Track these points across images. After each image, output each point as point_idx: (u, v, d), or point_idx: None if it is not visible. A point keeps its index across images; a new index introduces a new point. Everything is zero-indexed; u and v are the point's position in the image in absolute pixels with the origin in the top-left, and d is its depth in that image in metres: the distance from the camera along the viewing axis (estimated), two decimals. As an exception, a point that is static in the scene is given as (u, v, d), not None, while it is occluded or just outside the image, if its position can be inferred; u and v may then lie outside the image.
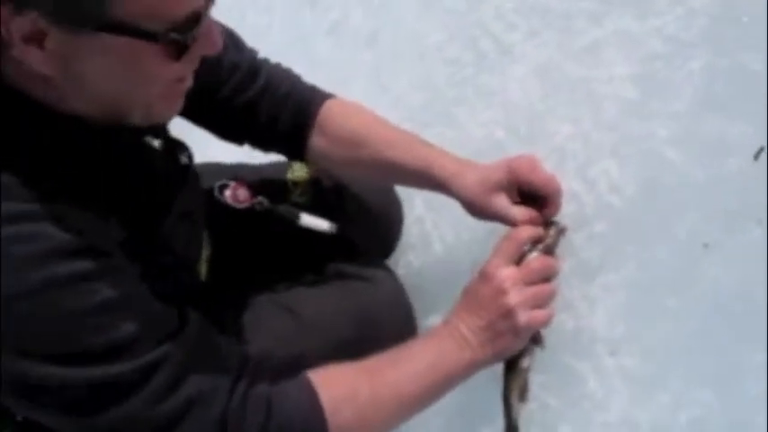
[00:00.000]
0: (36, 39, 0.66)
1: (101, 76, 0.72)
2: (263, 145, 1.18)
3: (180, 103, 0.83)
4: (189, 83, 0.81)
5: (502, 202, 1.02)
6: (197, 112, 1.05)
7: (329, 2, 1.77)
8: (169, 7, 0.69)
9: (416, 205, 1.34)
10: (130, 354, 0.73)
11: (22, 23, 0.65)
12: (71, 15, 0.65)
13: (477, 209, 1.04)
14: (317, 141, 1.12)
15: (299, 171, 1.29)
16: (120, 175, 0.82)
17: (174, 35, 0.70)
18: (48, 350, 0.69)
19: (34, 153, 0.72)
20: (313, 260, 1.26)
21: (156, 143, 0.90)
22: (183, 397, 0.76)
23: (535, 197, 1.01)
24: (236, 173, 1.24)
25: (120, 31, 0.67)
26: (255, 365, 0.86)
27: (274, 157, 1.29)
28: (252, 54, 1.13)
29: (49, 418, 0.74)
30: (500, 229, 1.03)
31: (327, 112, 1.12)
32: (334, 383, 0.87)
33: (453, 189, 1.04)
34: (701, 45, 1.04)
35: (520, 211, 1.01)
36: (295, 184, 1.28)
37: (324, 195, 1.28)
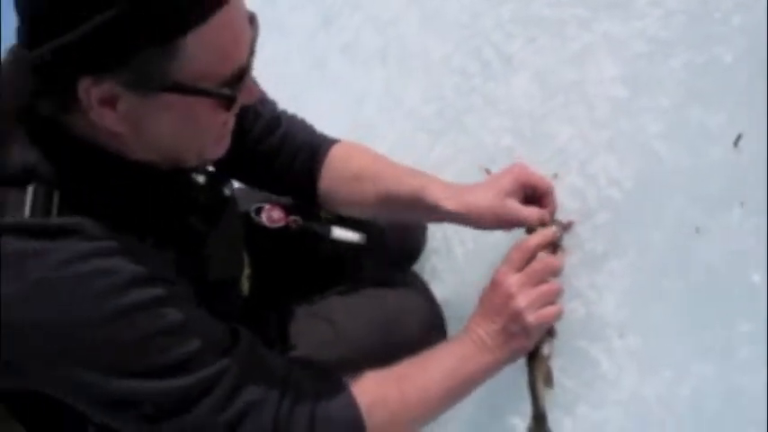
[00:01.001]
0: (110, 102, 0.81)
1: (164, 129, 0.86)
2: (281, 190, 1.30)
3: (227, 144, 0.98)
4: (232, 124, 0.96)
5: (515, 205, 1.13)
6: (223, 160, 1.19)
7: (341, 24, 1.91)
8: (220, 68, 0.83)
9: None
10: (195, 368, 0.86)
11: (99, 91, 0.79)
12: (140, 81, 0.80)
13: (489, 218, 1.14)
14: (322, 184, 1.24)
15: None
16: (172, 209, 0.96)
17: (224, 90, 0.84)
18: (125, 367, 0.83)
19: (101, 196, 0.87)
20: (345, 271, 1.39)
21: (201, 178, 1.05)
22: (239, 406, 0.89)
23: (533, 199, 1.14)
24: (268, 195, 1.38)
25: (181, 91, 0.82)
26: (298, 373, 0.99)
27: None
28: (273, 105, 1.26)
29: (126, 426, 0.88)
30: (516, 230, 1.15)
31: (331, 156, 1.24)
32: (367, 389, 0.99)
33: (455, 210, 1.14)
34: (680, 42, 1.14)
35: (531, 211, 1.13)
36: None
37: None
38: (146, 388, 0.84)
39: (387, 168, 1.23)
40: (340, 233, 1.35)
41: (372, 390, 0.99)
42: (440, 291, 1.36)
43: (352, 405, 0.96)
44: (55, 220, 0.81)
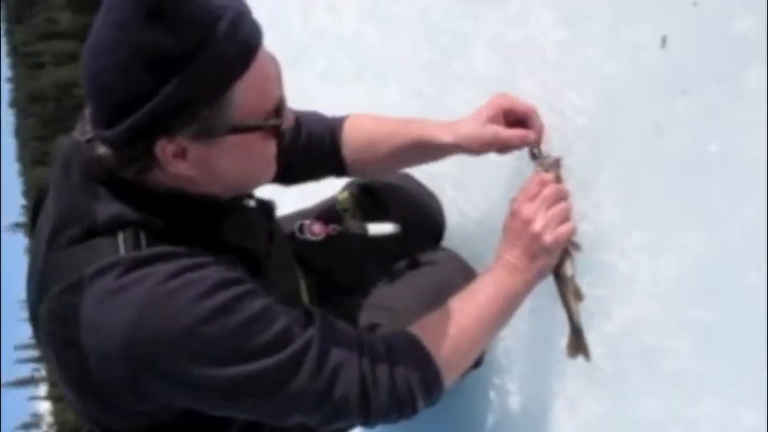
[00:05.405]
0: (181, 155, 1.05)
1: (229, 165, 1.10)
2: (317, 176, 1.57)
3: (274, 168, 1.21)
4: (275, 150, 1.18)
5: (494, 129, 1.36)
6: None
7: (311, 55, 2.16)
8: (263, 104, 1.08)
9: (447, 190, 1.70)
10: (286, 344, 1.07)
11: (172, 147, 1.04)
12: (204, 131, 1.04)
13: (476, 145, 1.37)
14: (346, 157, 1.51)
15: (341, 197, 1.66)
16: (234, 230, 1.18)
17: (272, 122, 1.10)
18: (232, 355, 1.04)
19: (182, 227, 1.10)
20: (387, 263, 1.64)
21: (252, 203, 1.29)
22: (330, 368, 1.10)
23: (518, 122, 1.36)
24: (301, 216, 1.62)
25: (238, 131, 1.06)
26: (367, 335, 1.20)
27: (317, 199, 1.67)
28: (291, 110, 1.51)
29: (242, 410, 1.10)
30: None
31: (345, 133, 1.51)
32: (427, 329, 1.21)
33: (451, 140, 1.38)
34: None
35: (512, 132, 1.36)
36: (345, 210, 1.65)
37: (369, 213, 1.63)
38: (252, 369, 1.04)
39: (390, 126, 1.48)
40: (376, 228, 1.58)
41: (433, 329, 1.21)
42: (471, 251, 1.60)
43: (420, 346, 1.18)
44: (146, 251, 1.05)
